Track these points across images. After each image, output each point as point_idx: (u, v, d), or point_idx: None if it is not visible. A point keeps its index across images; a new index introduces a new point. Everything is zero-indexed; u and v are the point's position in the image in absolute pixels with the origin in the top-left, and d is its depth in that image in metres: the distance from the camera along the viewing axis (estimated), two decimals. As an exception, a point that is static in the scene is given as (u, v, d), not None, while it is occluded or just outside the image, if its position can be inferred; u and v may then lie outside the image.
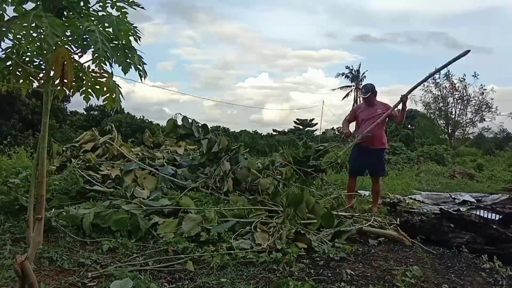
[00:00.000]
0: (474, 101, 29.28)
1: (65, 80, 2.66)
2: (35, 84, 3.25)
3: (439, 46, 70.74)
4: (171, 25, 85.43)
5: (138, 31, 2.88)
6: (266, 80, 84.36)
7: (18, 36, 2.82)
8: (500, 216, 4.96)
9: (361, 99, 6.76)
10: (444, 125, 31.55)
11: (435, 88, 30.24)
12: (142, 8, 2.97)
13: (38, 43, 2.94)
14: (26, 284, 1.85)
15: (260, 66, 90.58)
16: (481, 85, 28.96)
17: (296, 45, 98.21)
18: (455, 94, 29.87)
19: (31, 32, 2.47)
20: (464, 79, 29.18)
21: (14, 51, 3.02)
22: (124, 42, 2.82)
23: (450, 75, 29.46)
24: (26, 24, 2.40)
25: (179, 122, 5.84)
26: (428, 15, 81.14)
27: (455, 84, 29.36)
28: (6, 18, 2.66)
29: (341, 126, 6.40)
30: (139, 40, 2.90)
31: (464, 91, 29.46)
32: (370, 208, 5.50)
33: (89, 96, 3.17)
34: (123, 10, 2.94)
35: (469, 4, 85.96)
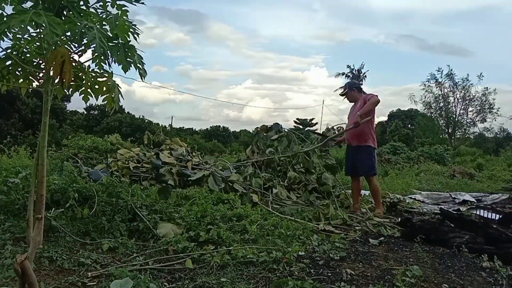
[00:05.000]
0: (477, 101, 29.32)
1: (64, 80, 2.66)
2: (35, 84, 3.25)
3: (428, 47, 71.23)
4: (162, 28, 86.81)
5: (137, 28, 2.88)
6: (260, 80, 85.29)
7: (18, 36, 2.82)
8: (500, 216, 4.96)
9: None
10: (444, 125, 31.55)
11: (436, 87, 30.26)
12: (142, 3, 2.98)
13: (38, 43, 2.94)
14: (26, 283, 1.85)
15: (253, 66, 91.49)
16: (486, 87, 29.01)
17: (290, 44, 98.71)
18: (457, 94, 29.89)
19: (28, 27, 2.47)
20: (468, 79, 29.23)
21: (14, 51, 3.02)
22: (123, 41, 2.82)
23: (453, 75, 29.50)
24: (23, 19, 2.40)
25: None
26: (420, 15, 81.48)
27: (457, 82, 29.40)
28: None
29: None
30: (138, 36, 2.89)
31: (466, 91, 29.50)
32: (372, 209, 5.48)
33: (88, 96, 3.18)
34: (123, 9, 2.94)
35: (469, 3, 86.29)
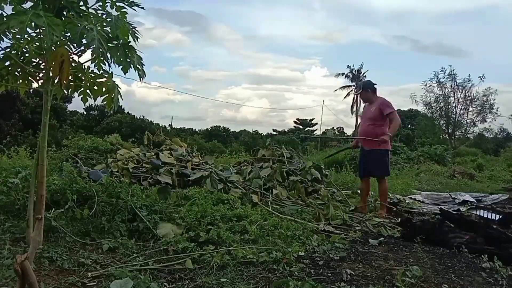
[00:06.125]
0: (478, 102, 29.29)
1: (62, 80, 2.67)
2: (34, 84, 3.25)
3: (422, 46, 71.40)
4: (161, 29, 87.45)
5: (136, 31, 2.88)
6: (258, 81, 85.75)
7: (17, 36, 2.82)
8: (500, 216, 4.96)
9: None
10: (444, 125, 31.53)
11: (438, 88, 30.24)
12: (142, 8, 2.98)
13: (37, 43, 2.94)
14: (26, 284, 1.85)
15: (251, 67, 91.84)
16: (489, 87, 28.97)
17: (288, 45, 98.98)
18: (458, 94, 29.88)
19: (27, 28, 2.47)
20: (470, 80, 29.22)
21: (13, 51, 3.02)
22: (123, 42, 2.82)
23: (455, 75, 29.48)
24: (23, 20, 2.40)
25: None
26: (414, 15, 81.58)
27: (459, 83, 29.39)
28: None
29: None
30: (137, 40, 2.90)
31: (467, 92, 29.49)
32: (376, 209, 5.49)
33: (87, 97, 3.18)
34: (122, 10, 2.94)
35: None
